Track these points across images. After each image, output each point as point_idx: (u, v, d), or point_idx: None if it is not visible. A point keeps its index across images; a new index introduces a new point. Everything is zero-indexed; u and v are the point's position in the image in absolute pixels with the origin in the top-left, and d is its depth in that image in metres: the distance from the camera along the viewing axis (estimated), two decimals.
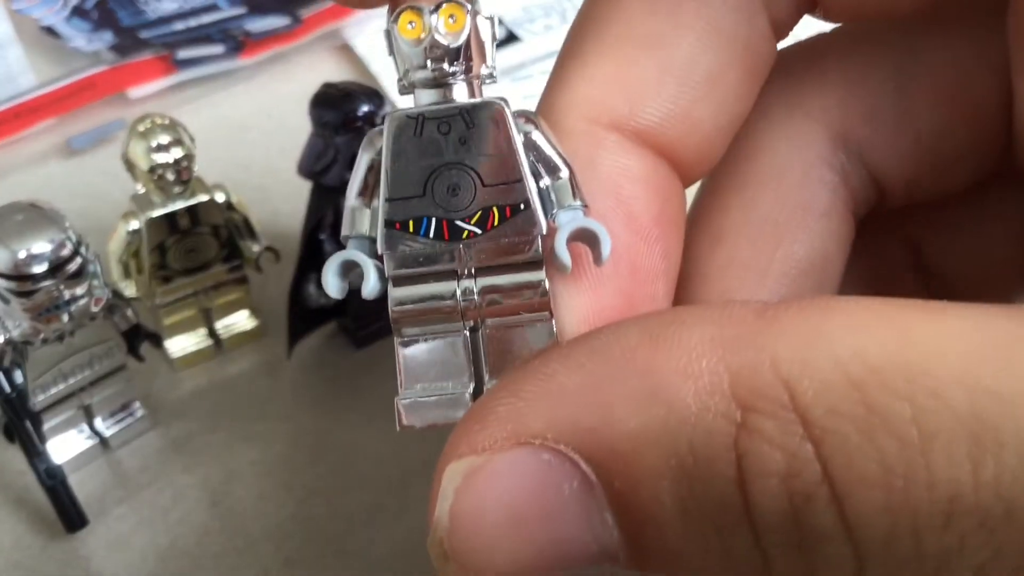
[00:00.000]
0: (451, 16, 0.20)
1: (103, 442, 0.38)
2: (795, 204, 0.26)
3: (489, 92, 0.21)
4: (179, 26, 0.56)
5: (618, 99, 0.23)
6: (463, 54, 0.20)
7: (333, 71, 0.56)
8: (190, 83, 0.54)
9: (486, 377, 0.21)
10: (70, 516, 0.35)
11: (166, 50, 0.54)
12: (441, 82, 0.21)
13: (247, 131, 0.53)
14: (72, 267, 0.31)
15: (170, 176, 0.36)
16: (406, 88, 0.21)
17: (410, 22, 0.20)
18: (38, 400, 0.35)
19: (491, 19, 0.21)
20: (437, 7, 0.20)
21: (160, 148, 0.35)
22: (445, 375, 0.21)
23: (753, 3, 0.24)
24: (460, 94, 0.21)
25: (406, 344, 0.21)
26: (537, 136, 0.21)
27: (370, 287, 0.21)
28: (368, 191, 0.21)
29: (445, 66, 0.20)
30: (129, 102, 0.52)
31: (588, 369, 0.18)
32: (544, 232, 0.21)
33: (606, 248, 0.21)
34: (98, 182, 0.49)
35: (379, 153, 0.21)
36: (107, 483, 0.38)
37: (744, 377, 0.17)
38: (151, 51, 0.54)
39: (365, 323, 0.41)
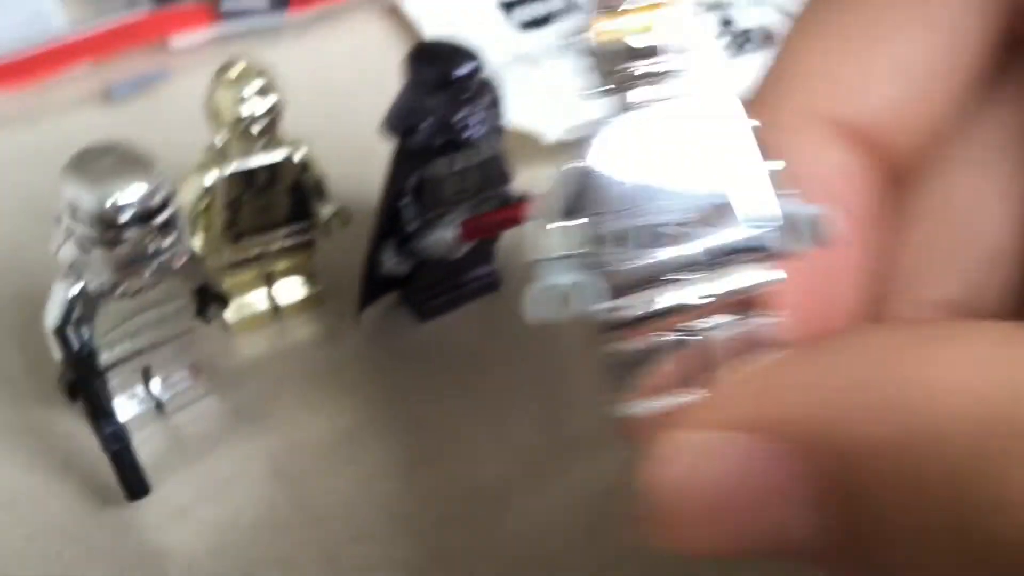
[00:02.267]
0: (653, 10, 0.19)
1: (159, 406, 0.36)
2: (992, 188, 0.26)
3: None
4: None
5: (834, 94, 0.23)
6: (670, 48, 0.20)
7: (381, 35, 0.54)
8: (235, 36, 0.51)
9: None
10: (133, 483, 0.33)
11: None
12: (652, 80, 0.20)
13: (292, 92, 0.51)
14: (162, 217, 0.29)
15: (256, 129, 0.33)
16: (604, 91, 0.20)
17: (614, 22, 0.19)
18: (102, 359, 0.33)
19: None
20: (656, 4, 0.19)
21: (250, 97, 0.33)
22: (680, 383, 0.21)
23: (991, 7, 0.23)
24: (673, 87, 0.20)
25: (621, 356, 0.21)
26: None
27: (591, 304, 0.20)
28: (568, 203, 0.20)
29: (654, 66, 0.20)
30: (171, 52, 0.50)
31: (839, 369, 0.18)
32: (770, 227, 0.20)
33: (836, 225, 0.20)
34: (138, 134, 0.46)
35: (583, 167, 0.20)
36: (162, 450, 0.35)
37: (1013, 399, 0.17)
38: None
39: (431, 295, 0.40)
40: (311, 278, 0.40)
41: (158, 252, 0.30)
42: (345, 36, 0.53)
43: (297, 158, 0.36)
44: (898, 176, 0.24)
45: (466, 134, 0.35)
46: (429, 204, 0.37)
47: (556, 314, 0.20)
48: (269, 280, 0.39)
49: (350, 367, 0.39)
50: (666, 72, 0.19)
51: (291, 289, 0.40)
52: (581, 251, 0.20)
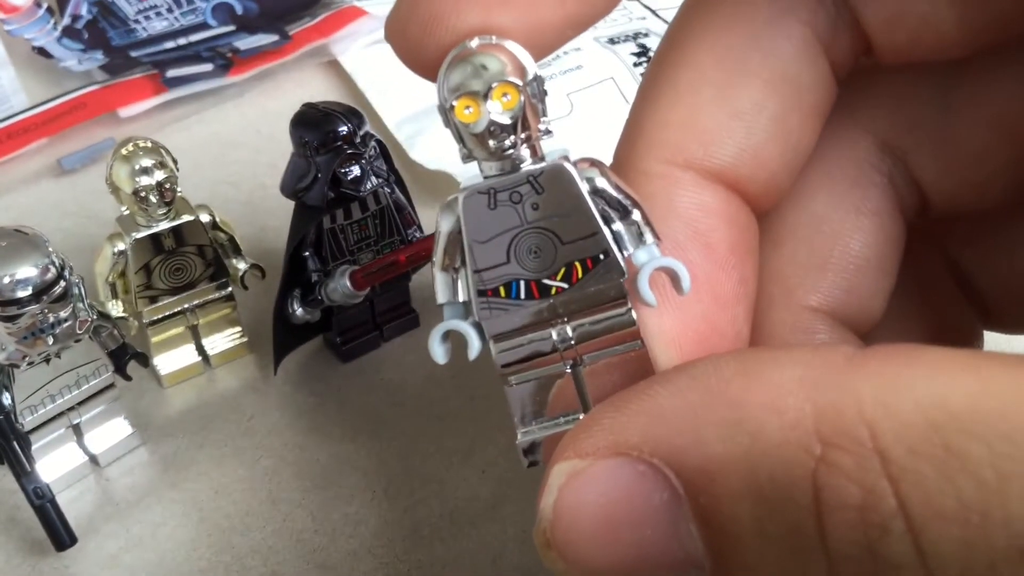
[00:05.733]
0: (505, 95, 0.21)
1: (93, 460, 0.38)
2: (848, 204, 0.28)
3: (547, 145, 0.22)
4: (169, 45, 0.57)
5: (692, 141, 0.25)
6: (521, 125, 0.21)
7: (321, 87, 0.56)
8: (180, 101, 0.54)
9: (592, 407, 0.23)
10: (59, 535, 0.35)
11: (156, 69, 0.55)
12: (503, 155, 0.21)
13: (236, 148, 0.53)
14: (56, 290, 0.32)
15: (153, 198, 0.36)
16: (469, 158, 0.22)
17: (467, 107, 0.21)
18: (27, 421, 0.35)
19: (539, 79, 0.21)
20: (489, 89, 0.21)
21: (143, 171, 0.36)
22: (556, 411, 0.23)
23: (814, 50, 0.25)
24: (522, 157, 0.22)
25: (515, 389, 0.23)
26: (601, 182, 0.22)
27: (474, 350, 0.23)
28: (451, 257, 0.22)
29: (506, 142, 0.21)
30: (120, 121, 0.53)
31: (686, 394, 0.20)
32: (626, 275, 0.22)
33: (686, 282, 0.22)
34: (89, 201, 0.50)
35: (457, 224, 0.22)
36: (97, 501, 0.38)
37: (828, 415, 0.19)
38: (141, 70, 0.55)
39: (350, 337, 0.42)
40: (238, 329, 0.42)
41: (58, 322, 0.33)
42: (286, 91, 0.56)
43: (203, 220, 0.38)
44: (760, 206, 0.26)
45: (355, 186, 0.37)
46: (331, 254, 0.39)
47: (445, 354, 0.23)
48: (196, 333, 0.41)
49: (274, 411, 0.41)
50: (511, 150, 0.21)
51: (220, 340, 0.42)
52: (463, 300, 0.22)
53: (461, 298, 0.22)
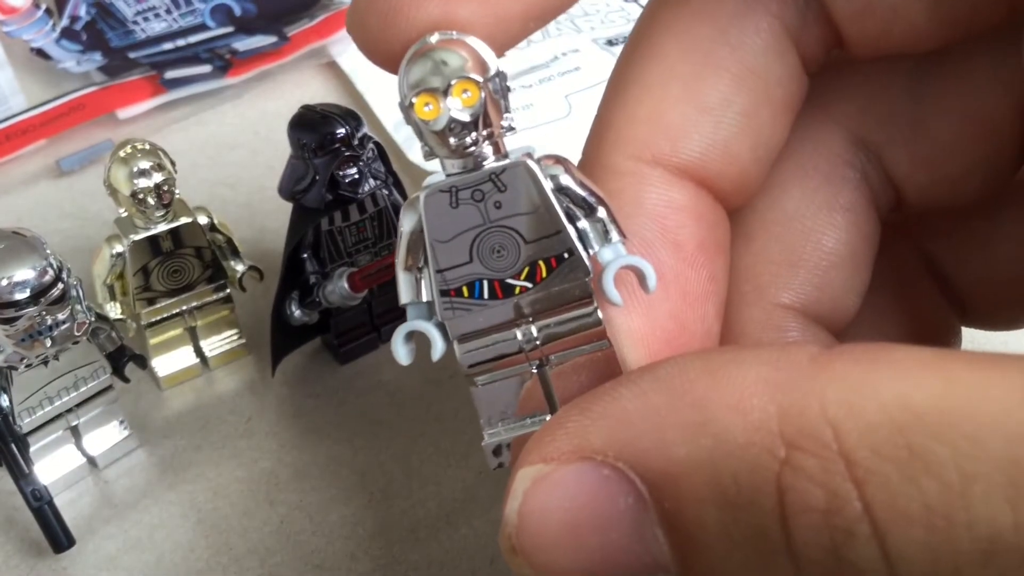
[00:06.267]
0: (465, 91, 0.20)
1: (91, 462, 0.39)
2: (820, 201, 0.28)
3: (511, 143, 0.22)
4: (168, 46, 0.57)
5: (660, 137, 0.24)
6: (482, 122, 0.21)
7: (319, 88, 0.56)
8: (178, 102, 0.54)
9: (559, 408, 0.22)
10: (57, 537, 0.35)
11: (155, 70, 0.55)
12: (465, 153, 0.21)
13: (234, 149, 0.54)
14: (54, 293, 0.32)
15: (151, 200, 0.36)
16: (430, 155, 0.22)
17: (426, 104, 0.20)
18: (24, 423, 0.35)
19: (501, 74, 0.21)
20: (449, 85, 0.20)
21: (141, 173, 0.36)
22: (523, 412, 0.23)
23: (783, 43, 0.25)
24: (485, 155, 0.21)
25: (481, 390, 0.23)
26: (566, 179, 0.22)
27: (438, 351, 0.22)
28: (413, 257, 0.22)
29: (467, 139, 0.21)
30: (118, 122, 0.53)
31: (649, 396, 0.20)
32: (591, 274, 0.22)
33: (652, 281, 0.22)
34: (88, 202, 0.50)
35: (419, 223, 0.22)
36: (95, 503, 0.38)
37: (792, 417, 0.18)
38: (140, 71, 0.55)
39: (348, 340, 0.42)
40: (236, 331, 0.42)
41: (56, 324, 0.33)
42: (285, 93, 0.56)
43: (202, 222, 0.38)
44: (731, 202, 0.26)
45: (353, 188, 0.37)
46: (329, 256, 0.39)
47: (408, 355, 0.23)
48: (195, 335, 0.41)
49: (272, 413, 0.41)
50: (473, 147, 0.21)
51: (218, 342, 0.42)
52: (427, 300, 0.22)
53: (425, 298, 0.22)
